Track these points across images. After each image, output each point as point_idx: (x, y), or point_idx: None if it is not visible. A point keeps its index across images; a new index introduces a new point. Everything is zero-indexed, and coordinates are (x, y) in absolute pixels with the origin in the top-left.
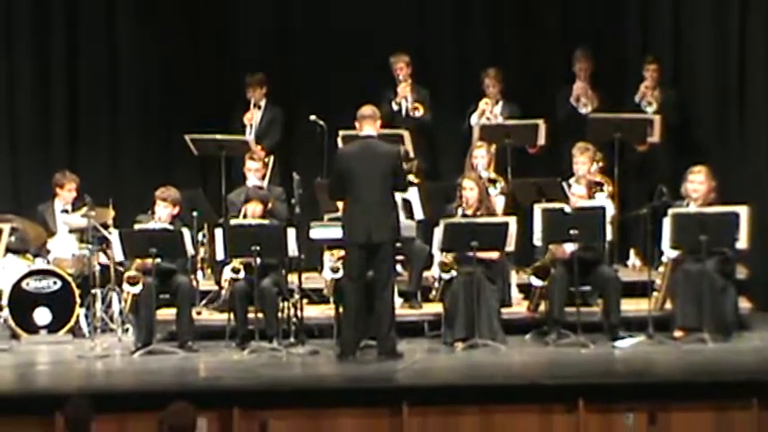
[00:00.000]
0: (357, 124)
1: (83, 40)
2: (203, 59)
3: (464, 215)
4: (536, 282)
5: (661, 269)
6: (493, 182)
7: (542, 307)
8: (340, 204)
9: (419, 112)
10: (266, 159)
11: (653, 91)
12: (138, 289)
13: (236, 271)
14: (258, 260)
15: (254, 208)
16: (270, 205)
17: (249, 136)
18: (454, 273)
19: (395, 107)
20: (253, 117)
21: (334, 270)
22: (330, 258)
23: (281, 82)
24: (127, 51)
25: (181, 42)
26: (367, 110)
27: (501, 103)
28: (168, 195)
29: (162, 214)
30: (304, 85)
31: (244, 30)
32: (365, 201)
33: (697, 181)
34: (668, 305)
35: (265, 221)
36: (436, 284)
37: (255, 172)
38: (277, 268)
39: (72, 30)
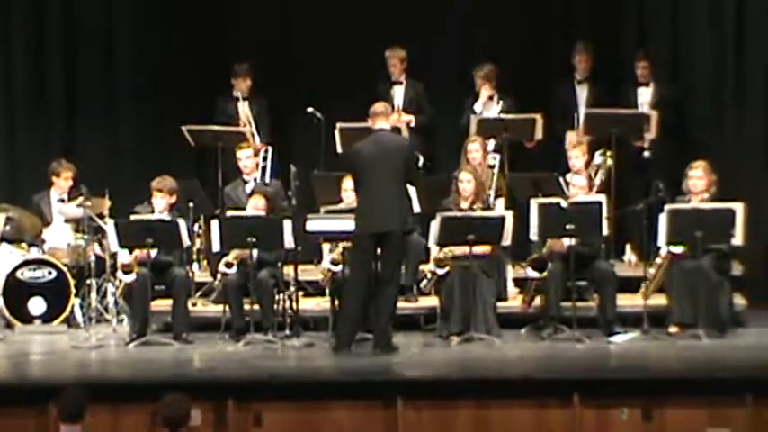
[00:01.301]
0: (370, 121)
1: (80, 31)
2: (200, 50)
3: (460, 209)
4: (533, 273)
5: (658, 260)
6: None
7: (537, 301)
8: (345, 196)
9: (412, 124)
10: (261, 150)
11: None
12: (131, 278)
13: (228, 266)
14: (255, 252)
15: (257, 202)
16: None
17: (250, 129)
18: (448, 268)
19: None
20: (246, 112)
21: (335, 263)
22: (331, 250)
23: (279, 73)
24: (124, 42)
25: (178, 32)
26: (379, 106)
27: (496, 97)
28: (164, 185)
29: (160, 205)
30: (301, 76)
31: (241, 20)
32: (376, 192)
33: (696, 176)
34: (658, 299)
35: (261, 213)
36: (428, 276)
37: (246, 160)
38: (274, 264)
39: (69, 22)
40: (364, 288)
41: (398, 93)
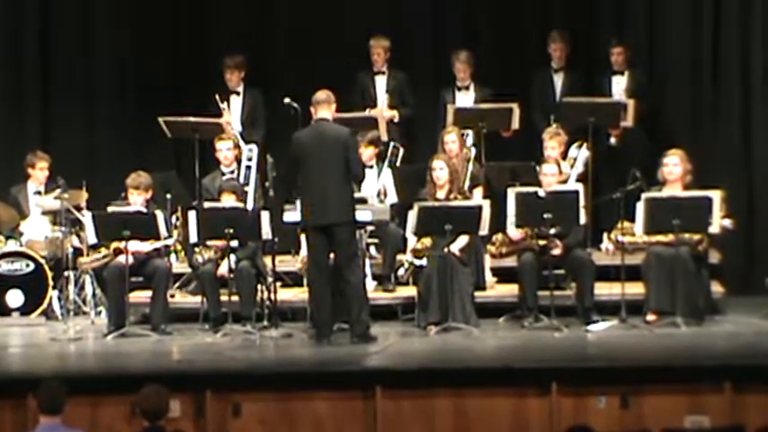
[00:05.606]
0: (312, 109)
1: (56, 21)
2: (179, 41)
3: (436, 198)
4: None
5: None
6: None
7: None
8: None
9: (396, 119)
10: (247, 145)
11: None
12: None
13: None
14: (233, 242)
15: (228, 199)
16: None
17: (234, 129)
18: (425, 261)
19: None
20: (231, 113)
21: None
22: None
23: (258, 64)
24: (101, 32)
25: (156, 23)
26: (321, 94)
27: (472, 86)
28: (140, 182)
29: (136, 201)
30: (279, 67)
31: (220, 11)
32: (317, 184)
33: (671, 163)
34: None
35: (239, 204)
36: (404, 266)
37: (227, 151)
38: (256, 254)
39: (45, 11)
40: (327, 278)
41: (380, 83)
